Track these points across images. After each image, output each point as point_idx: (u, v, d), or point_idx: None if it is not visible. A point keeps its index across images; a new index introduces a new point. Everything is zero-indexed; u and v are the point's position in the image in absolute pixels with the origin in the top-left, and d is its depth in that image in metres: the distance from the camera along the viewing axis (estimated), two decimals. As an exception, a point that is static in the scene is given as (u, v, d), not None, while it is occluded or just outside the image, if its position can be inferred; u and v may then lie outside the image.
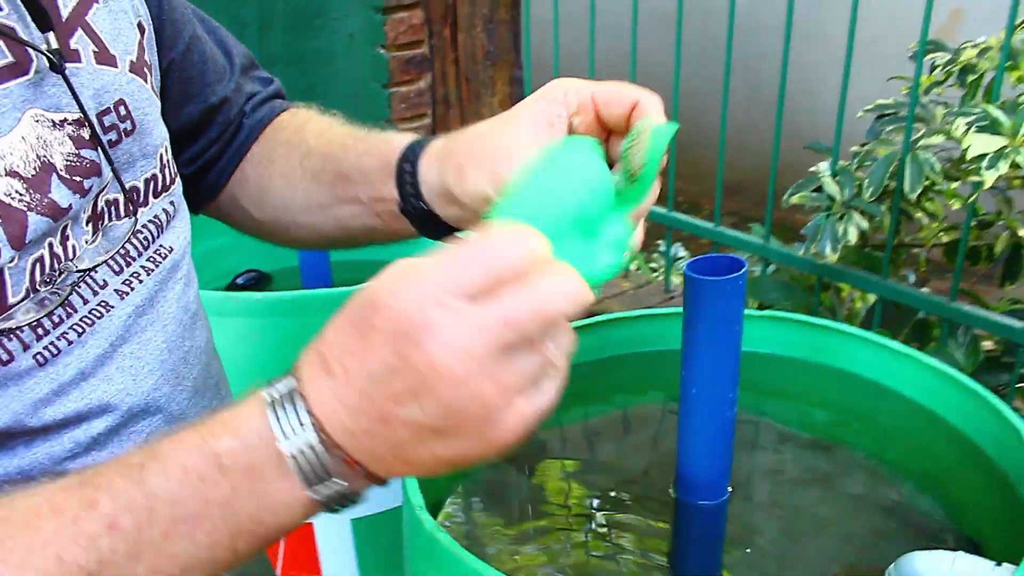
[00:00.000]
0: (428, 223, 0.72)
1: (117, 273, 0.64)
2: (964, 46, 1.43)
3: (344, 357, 0.45)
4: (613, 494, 0.94)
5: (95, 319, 0.63)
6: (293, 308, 1.27)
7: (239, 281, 1.68)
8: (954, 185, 1.50)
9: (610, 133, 0.64)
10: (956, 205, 1.67)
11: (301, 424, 0.46)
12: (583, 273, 0.47)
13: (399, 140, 0.73)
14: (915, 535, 0.94)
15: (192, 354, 0.73)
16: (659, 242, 2.27)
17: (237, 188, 0.84)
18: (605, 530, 0.91)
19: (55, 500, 0.46)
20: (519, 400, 0.44)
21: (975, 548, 0.91)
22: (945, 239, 1.70)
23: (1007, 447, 0.88)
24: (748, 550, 0.91)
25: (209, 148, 0.82)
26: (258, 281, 1.69)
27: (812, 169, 1.62)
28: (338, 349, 0.46)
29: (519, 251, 0.44)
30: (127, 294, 0.65)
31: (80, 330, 0.61)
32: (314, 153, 0.78)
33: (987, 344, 1.50)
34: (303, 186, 0.79)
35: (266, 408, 0.47)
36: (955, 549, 0.88)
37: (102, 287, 0.63)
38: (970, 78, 1.47)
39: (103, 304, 0.63)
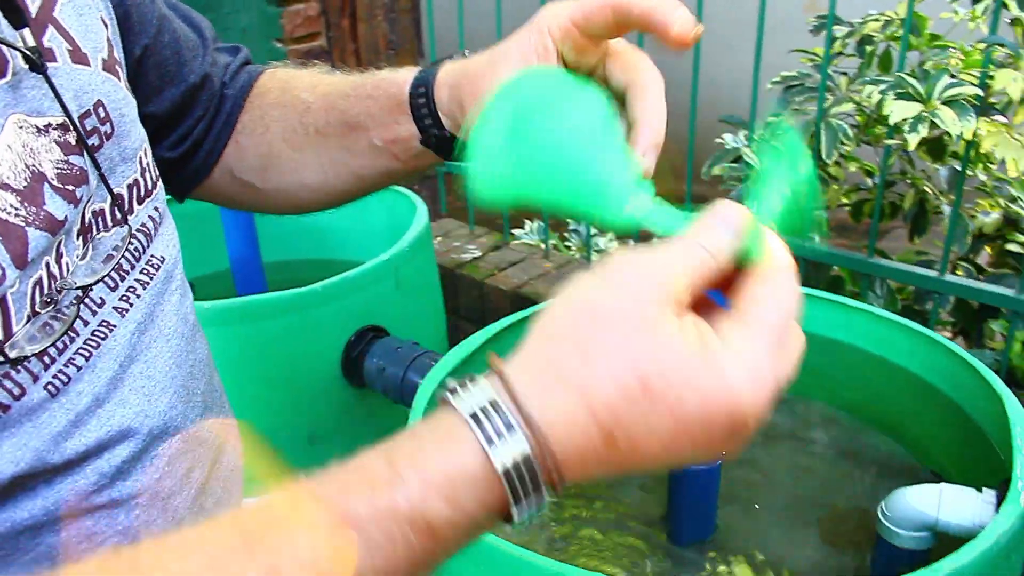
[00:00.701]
0: (451, 148, 0.69)
1: (113, 289, 0.61)
2: (867, 19, 1.52)
3: (642, 438, 0.41)
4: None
5: (100, 340, 0.59)
6: (242, 315, 1.24)
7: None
8: (850, 148, 1.59)
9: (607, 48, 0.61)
10: (853, 167, 1.78)
11: (537, 490, 0.42)
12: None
13: (403, 76, 0.70)
14: (883, 474, 1.01)
15: (197, 368, 0.70)
16: (569, 220, 2.31)
17: (233, 162, 0.80)
18: (602, 500, 0.94)
19: None
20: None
21: (937, 479, 0.99)
22: (846, 201, 1.81)
23: (961, 383, 0.95)
24: (737, 507, 0.96)
25: (195, 127, 0.78)
26: (182, 288, 1.64)
27: (719, 141, 1.69)
28: (636, 428, 0.41)
29: (795, 301, 0.44)
30: (126, 311, 0.62)
31: (87, 353, 0.58)
32: (313, 108, 0.74)
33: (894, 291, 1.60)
34: (311, 145, 0.75)
35: (500, 477, 0.41)
36: (918, 482, 0.95)
37: (100, 306, 0.60)
38: (868, 49, 1.56)
39: (105, 324, 0.60)
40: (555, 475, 0.41)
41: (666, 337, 0.41)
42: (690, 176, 1.72)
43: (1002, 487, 0.80)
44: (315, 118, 0.74)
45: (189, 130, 0.78)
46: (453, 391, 0.43)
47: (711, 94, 1.57)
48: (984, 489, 0.83)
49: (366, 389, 1.31)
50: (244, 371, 1.27)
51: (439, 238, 2.07)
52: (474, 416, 0.41)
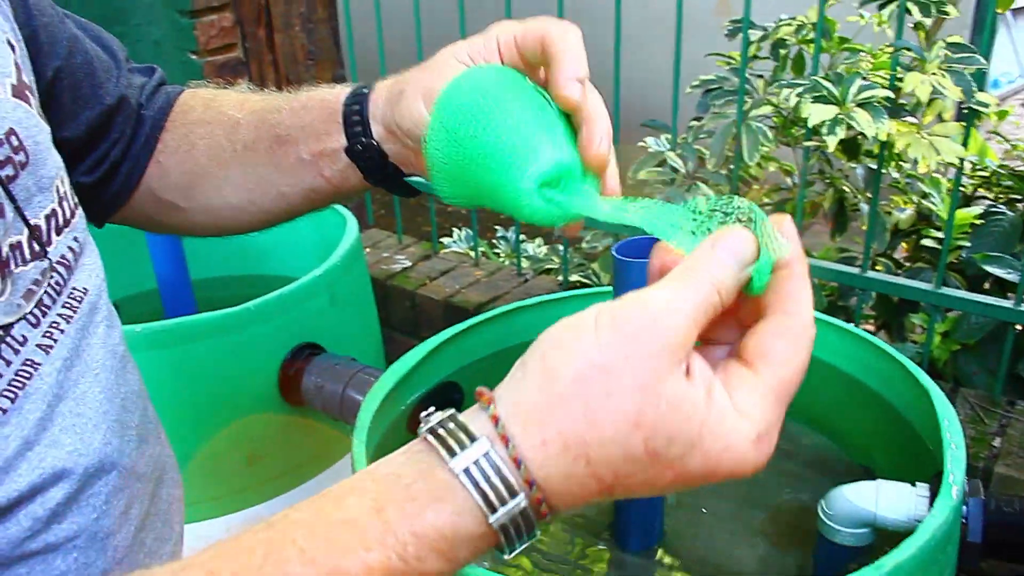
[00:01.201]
0: (375, 166, 0.68)
1: (35, 326, 0.58)
2: (780, 24, 1.57)
3: (637, 488, 0.42)
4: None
5: (24, 381, 0.57)
6: (174, 337, 1.21)
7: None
8: (769, 150, 1.64)
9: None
10: (773, 167, 1.83)
11: (531, 531, 0.42)
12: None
13: (341, 90, 0.69)
14: (819, 472, 1.04)
15: (129, 400, 0.68)
16: (498, 227, 2.32)
17: (155, 182, 0.77)
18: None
19: None
20: None
21: (869, 474, 1.02)
22: (768, 200, 1.86)
23: (889, 378, 0.99)
24: (684, 512, 0.98)
25: (111, 150, 0.75)
26: (104, 312, 1.59)
27: (641, 144, 1.72)
28: (633, 482, 0.42)
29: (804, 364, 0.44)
30: (51, 348, 0.59)
31: (11, 395, 0.56)
32: (242, 124, 0.73)
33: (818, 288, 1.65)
34: (237, 161, 0.73)
35: (496, 531, 0.41)
36: (853, 477, 0.98)
37: (22, 344, 0.57)
38: (782, 52, 1.61)
39: (29, 363, 0.57)
40: (549, 517, 0.43)
41: (675, 399, 0.41)
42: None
43: (934, 481, 0.83)
44: (244, 134, 0.73)
45: (106, 153, 0.75)
46: (442, 438, 0.42)
47: (626, 95, 1.59)
48: (918, 484, 0.86)
49: (305, 407, 1.29)
50: (178, 394, 1.23)
51: (368, 249, 2.05)
52: (469, 474, 0.41)
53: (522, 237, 2.20)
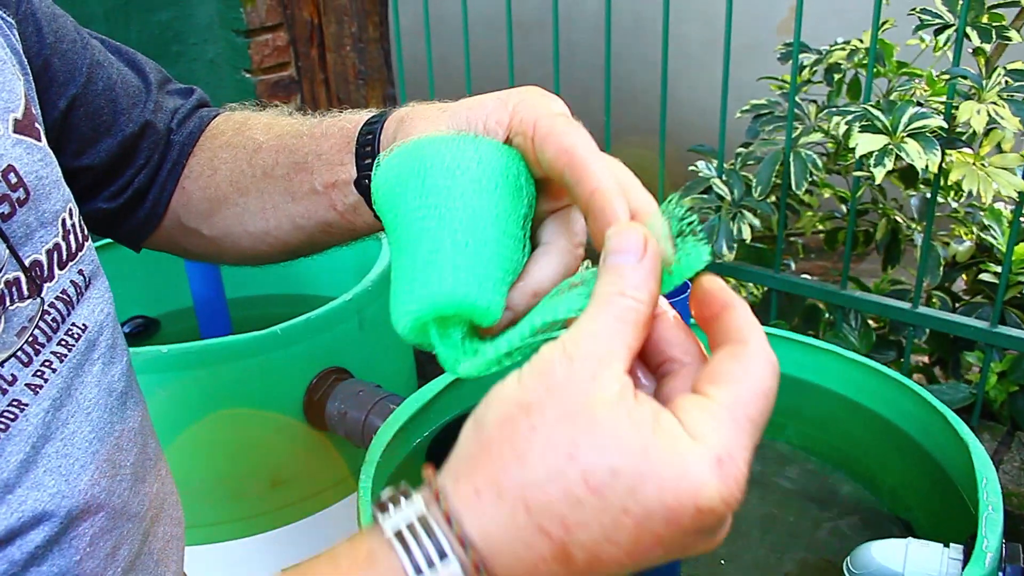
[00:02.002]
0: None
1: (26, 364, 0.56)
2: (833, 48, 1.51)
3: (601, 547, 0.36)
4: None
5: (8, 422, 0.55)
6: (203, 359, 1.21)
7: (125, 329, 1.59)
8: (823, 176, 1.58)
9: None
10: (827, 194, 1.77)
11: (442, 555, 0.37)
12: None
13: (363, 115, 0.64)
14: (852, 523, 0.99)
15: (125, 438, 0.66)
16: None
17: (181, 209, 0.75)
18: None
19: None
20: None
21: (906, 527, 0.96)
22: (821, 227, 1.79)
23: (931, 430, 0.93)
24: (702, 558, 0.93)
25: (136, 177, 0.73)
26: (146, 328, 1.61)
27: (692, 168, 1.68)
28: (589, 534, 0.36)
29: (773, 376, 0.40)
30: (40, 387, 0.57)
31: None
32: (264, 148, 0.70)
33: (870, 322, 1.59)
34: (255, 187, 0.70)
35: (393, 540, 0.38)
36: (888, 530, 0.93)
37: (10, 383, 0.55)
38: (836, 77, 1.55)
39: (15, 403, 0.56)
40: None
41: (611, 426, 0.36)
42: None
43: (969, 542, 0.77)
44: (264, 158, 0.69)
45: (129, 180, 0.74)
46: (384, 507, 0.39)
47: (682, 117, 1.55)
48: (951, 545, 0.80)
49: (329, 433, 1.28)
50: (205, 414, 1.24)
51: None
52: (399, 536, 0.37)
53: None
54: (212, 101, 0.81)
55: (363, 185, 0.61)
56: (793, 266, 1.76)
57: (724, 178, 1.52)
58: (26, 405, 0.56)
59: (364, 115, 0.64)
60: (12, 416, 0.55)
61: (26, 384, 0.56)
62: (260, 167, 0.70)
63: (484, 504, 0.37)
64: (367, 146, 0.61)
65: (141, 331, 1.59)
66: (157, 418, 1.19)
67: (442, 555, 0.37)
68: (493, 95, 0.53)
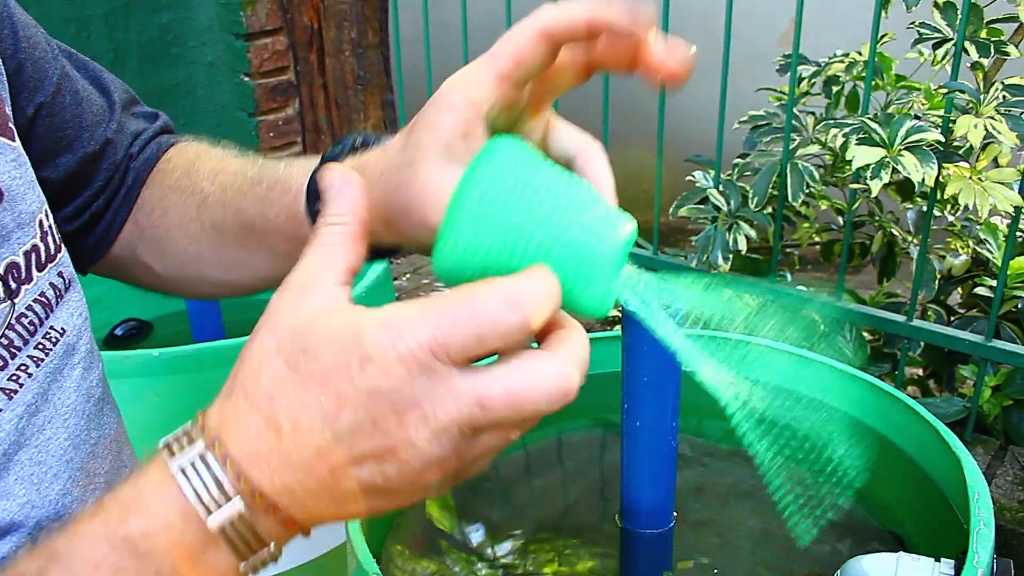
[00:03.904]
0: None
1: (0, 368, 0.55)
2: (832, 60, 1.51)
3: (296, 410, 0.40)
4: (558, 524, 0.93)
5: None
6: (194, 363, 1.20)
7: (118, 332, 1.58)
8: (820, 188, 1.58)
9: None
10: (824, 206, 1.77)
11: (224, 493, 0.41)
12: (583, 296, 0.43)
13: (295, 182, 0.62)
14: (843, 536, 0.98)
15: (101, 446, 0.64)
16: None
17: (134, 240, 0.73)
18: (554, 561, 0.91)
19: None
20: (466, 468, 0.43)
21: (898, 541, 0.96)
22: (817, 239, 1.79)
23: (924, 444, 0.93)
24: (693, 573, 0.93)
25: (94, 200, 0.71)
26: (139, 331, 1.60)
27: (689, 179, 1.68)
28: (287, 400, 0.41)
29: (512, 320, 0.40)
30: (15, 392, 0.56)
31: None
32: (211, 201, 0.68)
33: (865, 334, 1.59)
34: (207, 239, 0.69)
35: (177, 476, 0.41)
36: (880, 544, 0.92)
37: None
38: (834, 89, 1.55)
39: None
40: (239, 471, 0.41)
41: (301, 313, 0.42)
42: (657, 213, 1.70)
43: (960, 557, 0.77)
44: (212, 213, 0.68)
45: (88, 202, 0.72)
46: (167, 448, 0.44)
47: (680, 127, 1.55)
48: (942, 560, 0.80)
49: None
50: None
51: (408, 274, 2.04)
52: (177, 460, 0.42)
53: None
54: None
55: None
56: (789, 278, 1.76)
57: (721, 189, 1.52)
58: (0, 410, 0.55)
59: (296, 179, 0.63)
60: None
61: (0, 388, 0.55)
62: (209, 221, 0.69)
63: (221, 403, 0.43)
64: (313, 213, 0.60)
65: (134, 334, 1.59)
66: (147, 422, 1.19)
67: (188, 435, 0.43)
68: (427, 124, 0.51)
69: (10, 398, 0.56)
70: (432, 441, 0.40)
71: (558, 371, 0.41)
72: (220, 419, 0.42)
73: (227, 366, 1.21)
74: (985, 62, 1.31)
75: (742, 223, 1.45)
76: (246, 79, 2.14)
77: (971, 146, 1.23)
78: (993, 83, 1.28)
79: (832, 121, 1.36)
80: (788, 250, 1.83)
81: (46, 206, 0.62)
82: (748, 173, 1.53)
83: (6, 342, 0.56)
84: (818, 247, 1.77)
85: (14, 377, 0.56)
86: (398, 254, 0.66)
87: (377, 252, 0.59)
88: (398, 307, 0.41)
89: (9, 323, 0.56)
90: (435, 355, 0.39)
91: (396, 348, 0.39)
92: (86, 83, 0.71)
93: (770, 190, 1.44)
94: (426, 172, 0.49)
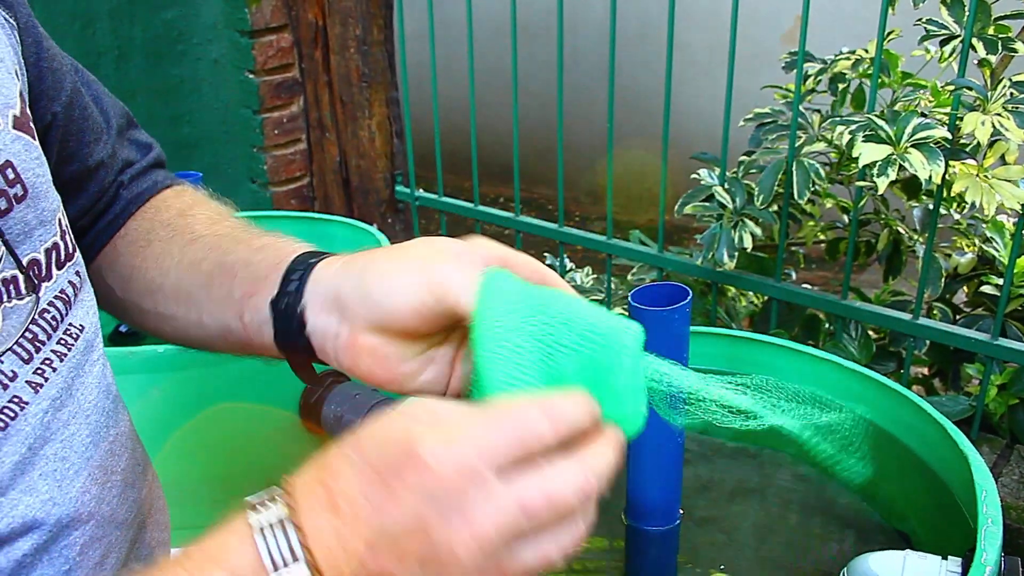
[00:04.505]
0: (290, 332, 0.61)
1: (26, 361, 0.56)
2: (838, 57, 1.51)
3: (358, 500, 0.44)
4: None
5: (8, 420, 0.55)
6: (198, 359, 1.20)
7: (122, 329, 1.58)
8: (826, 186, 1.58)
9: None
10: (829, 204, 1.76)
11: (295, 558, 0.44)
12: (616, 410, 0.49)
13: (299, 244, 0.65)
14: (850, 534, 0.98)
15: (118, 443, 0.66)
16: (546, 254, 2.29)
17: (105, 262, 0.74)
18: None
19: None
20: None
21: (904, 539, 0.96)
22: (823, 237, 1.79)
23: (931, 442, 0.93)
24: (699, 570, 0.93)
25: (81, 218, 0.72)
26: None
27: (694, 176, 1.67)
28: (352, 490, 0.44)
29: (552, 427, 0.45)
30: (41, 386, 0.57)
31: None
32: (199, 241, 0.69)
33: (870, 332, 1.58)
34: (175, 273, 0.69)
35: (255, 535, 0.45)
36: (886, 542, 0.92)
37: (11, 379, 0.55)
38: (840, 86, 1.55)
39: (15, 400, 0.55)
40: (304, 542, 0.44)
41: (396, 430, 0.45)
42: (662, 211, 1.70)
43: (968, 555, 0.77)
44: (196, 251, 0.69)
45: (74, 219, 0.71)
46: (252, 506, 0.47)
47: (686, 125, 1.55)
48: (949, 557, 0.80)
49: (325, 436, 1.27)
50: (198, 414, 1.23)
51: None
52: (258, 519, 0.45)
53: (570, 265, 2.17)
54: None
55: (278, 307, 0.61)
56: (794, 276, 1.75)
57: (726, 186, 1.51)
58: (26, 403, 0.56)
59: (304, 245, 0.65)
60: (12, 414, 0.55)
61: (26, 381, 0.56)
62: (188, 259, 0.69)
63: (307, 471, 0.47)
64: (298, 268, 0.61)
65: (136, 331, 1.58)
66: (151, 418, 1.19)
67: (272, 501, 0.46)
68: (451, 255, 0.57)
69: (36, 392, 0.57)
70: (474, 548, 0.43)
71: (581, 478, 0.45)
72: (300, 486, 0.46)
73: (231, 362, 1.21)
74: (993, 59, 1.31)
75: (747, 221, 1.45)
76: (251, 76, 2.14)
77: (978, 143, 1.22)
78: (1000, 80, 1.27)
79: (838, 118, 1.35)
80: (793, 248, 1.83)
81: (62, 206, 0.63)
82: (753, 171, 1.53)
83: (30, 336, 0.57)
84: (823, 245, 1.76)
85: (39, 371, 0.57)
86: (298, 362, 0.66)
87: (291, 344, 0.62)
88: (452, 413, 0.45)
89: (33, 318, 0.57)
90: (483, 464, 0.43)
91: (449, 455, 0.43)
92: (89, 101, 0.72)
93: (776, 187, 1.44)
94: (385, 266, 0.58)
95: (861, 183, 1.34)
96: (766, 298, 1.64)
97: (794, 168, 1.40)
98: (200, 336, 0.70)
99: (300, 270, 0.61)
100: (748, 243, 1.43)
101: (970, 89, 1.23)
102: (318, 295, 0.59)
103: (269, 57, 2.13)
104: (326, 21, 2.12)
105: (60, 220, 0.61)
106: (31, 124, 0.60)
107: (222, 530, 0.46)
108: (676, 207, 1.59)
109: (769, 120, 1.55)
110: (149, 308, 0.72)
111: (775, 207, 1.48)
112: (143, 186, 0.76)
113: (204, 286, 0.67)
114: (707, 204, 1.53)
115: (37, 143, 0.60)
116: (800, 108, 1.48)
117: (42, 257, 0.59)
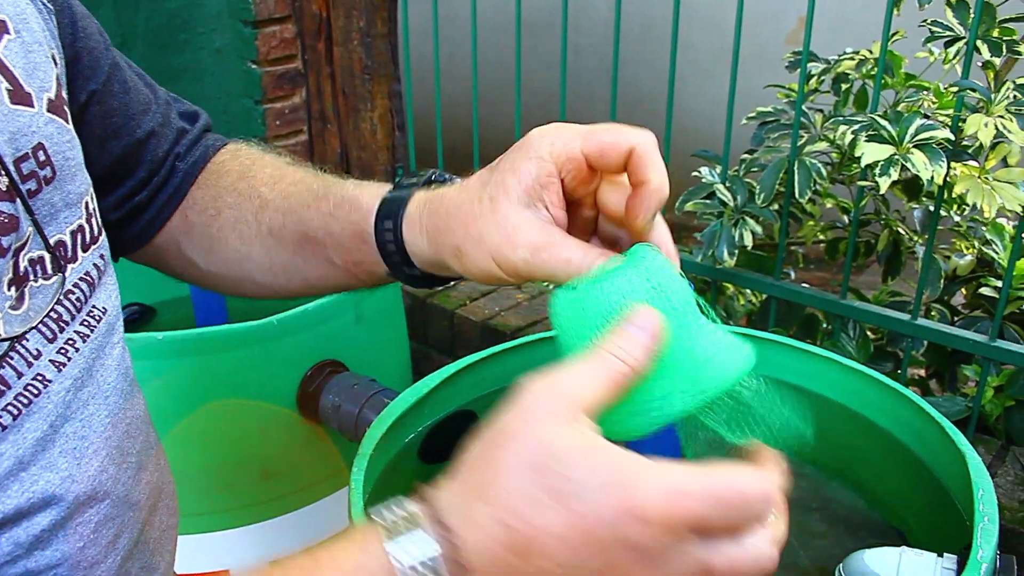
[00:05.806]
0: (417, 281, 0.66)
1: (50, 340, 0.57)
2: (842, 57, 1.51)
3: (543, 536, 0.41)
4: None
5: (31, 397, 0.56)
6: (198, 346, 1.20)
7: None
8: (827, 185, 1.58)
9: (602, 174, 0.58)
10: (829, 204, 1.76)
11: None
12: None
13: (366, 202, 0.65)
14: (846, 530, 0.98)
15: (134, 425, 0.67)
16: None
17: (180, 235, 0.76)
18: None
19: None
20: None
21: (900, 536, 0.96)
22: (822, 237, 1.79)
23: (928, 440, 0.93)
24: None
25: (139, 192, 0.74)
26: (142, 315, 1.60)
27: (695, 174, 1.67)
28: (537, 523, 0.41)
29: (764, 512, 0.45)
30: (64, 365, 0.58)
31: (15, 411, 0.55)
32: (270, 207, 0.71)
33: (868, 332, 1.58)
34: (261, 242, 0.71)
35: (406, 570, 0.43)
36: (882, 539, 0.92)
37: (36, 357, 0.56)
38: (843, 86, 1.55)
39: (39, 378, 0.56)
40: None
41: (565, 441, 0.42)
42: (663, 208, 1.70)
43: (964, 553, 0.77)
44: (271, 218, 0.71)
45: (132, 193, 0.74)
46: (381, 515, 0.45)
47: (688, 123, 1.55)
48: (945, 554, 0.80)
49: (323, 426, 1.27)
50: (199, 403, 1.23)
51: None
52: (385, 523, 0.44)
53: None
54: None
55: (399, 276, 0.66)
56: (793, 275, 1.75)
57: (728, 184, 1.51)
58: (49, 381, 0.57)
59: (366, 201, 0.66)
60: (35, 391, 0.56)
61: (50, 360, 0.57)
62: (266, 225, 0.71)
63: (467, 505, 0.43)
64: (390, 245, 0.63)
65: (137, 318, 1.59)
66: (152, 406, 1.19)
67: (420, 530, 0.43)
68: (512, 168, 0.56)
69: (59, 370, 0.58)
70: None
71: (772, 552, 0.46)
72: (456, 519, 0.43)
73: (230, 350, 1.22)
74: (997, 61, 1.31)
75: (748, 219, 1.45)
76: (253, 66, 2.14)
77: (981, 145, 1.22)
78: (1004, 82, 1.27)
79: (841, 118, 1.35)
80: (793, 247, 1.83)
81: (92, 190, 0.64)
82: (755, 169, 1.53)
83: (55, 316, 0.58)
84: (823, 245, 1.76)
85: (62, 351, 0.58)
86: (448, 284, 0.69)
87: (433, 279, 0.66)
88: (676, 470, 0.43)
89: (58, 298, 0.58)
90: (695, 529, 0.42)
91: (672, 512, 0.41)
92: (133, 75, 0.73)
93: (777, 186, 1.44)
94: (505, 209, 0.55)
95: (862, 183, 1.34)
96: (764, 297, 1.64)
97: (796, 167, 1.40)
98: (311, 291, 0.74)
99: (391, 242, 0.63)
100: (749, 241, 1.43)
101: (974, 91, 1.23)
102: (428, 263, 0.63)
103: (272, 48, 2.13)
104: (330, 12, 2.12)
105: (87, 203, 0.63)
106: (65, 107, 0.61)
107: (359, 552, 0.44)
108: (676, 204, 1.59)
109: (772, 119, 1.55)
110: (240, 277, 0.75)
111: (776, 206, 1.48)
112: (197, 154, 0.77)
113: (297, 255, 0.70)
114: (708, 201, 1.53)
115: (70, 126, 0.61)
116: (803, 108, 1.48)
117: (68, 239, 0.60)
